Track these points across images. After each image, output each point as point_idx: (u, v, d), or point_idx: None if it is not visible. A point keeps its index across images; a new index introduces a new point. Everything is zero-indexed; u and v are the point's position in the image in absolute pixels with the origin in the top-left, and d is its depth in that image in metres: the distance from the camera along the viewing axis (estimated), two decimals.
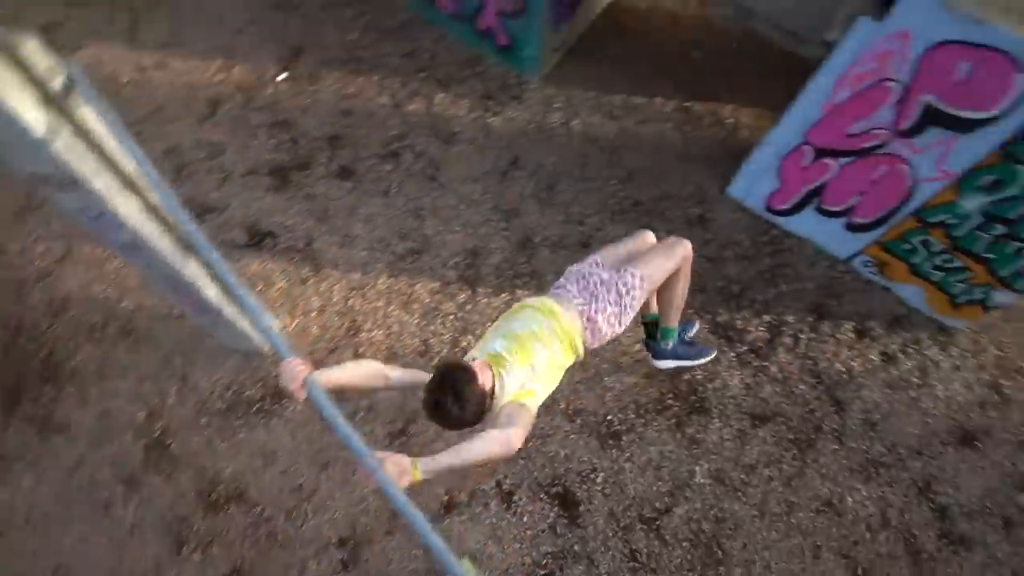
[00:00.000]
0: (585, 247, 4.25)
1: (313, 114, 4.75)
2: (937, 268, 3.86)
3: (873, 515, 3.60)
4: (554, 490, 3.55)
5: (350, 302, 4.05)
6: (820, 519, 3.57)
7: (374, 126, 4.70)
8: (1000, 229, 3.42)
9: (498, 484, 3.55)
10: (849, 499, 3.64)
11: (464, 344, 3.92)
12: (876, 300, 4.19)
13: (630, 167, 4.58)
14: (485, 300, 4.07)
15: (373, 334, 3.96)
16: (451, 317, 4.01)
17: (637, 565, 3.40)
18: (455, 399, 1.90)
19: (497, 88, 4.88)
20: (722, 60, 5.10)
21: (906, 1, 2.83)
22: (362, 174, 4.51)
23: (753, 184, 4.21)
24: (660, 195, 4.48)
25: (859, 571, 3.45)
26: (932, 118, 3.17)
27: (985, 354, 4.07)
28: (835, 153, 3.65)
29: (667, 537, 3.46)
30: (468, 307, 4.05)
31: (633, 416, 3.76)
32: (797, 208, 4.12)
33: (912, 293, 4.10)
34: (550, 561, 3.40)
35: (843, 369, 3.97)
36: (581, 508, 3.52)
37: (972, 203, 3.41)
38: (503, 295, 4.10)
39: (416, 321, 4.01)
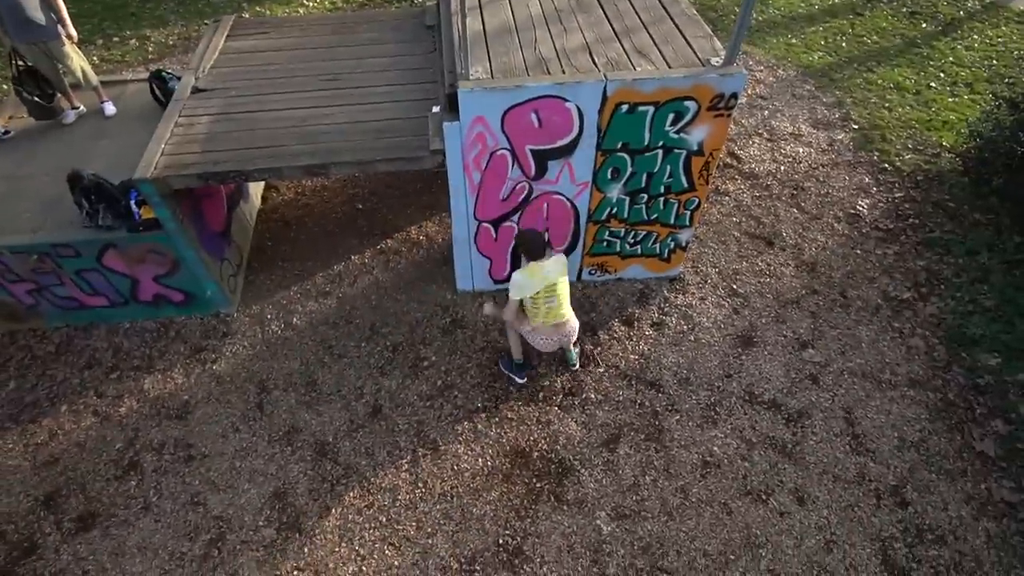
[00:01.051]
0: (377, 413, 4.29)
1: (6, 492, 4.03)
2: (633, 244, 4.82)
3: (738, 446, 4.13)
4: None
5: None
6: (710, 481, 3.97)
7: (92, 454, 4.18)
8: (644, 196, 4.46)
9: None
10: (715, 448, 4.13)
11: None
12: (619, 292, 5.02)
13: (369, 323, 4.85)
14: (318, 530, 3.77)
15: None
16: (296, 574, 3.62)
17: None
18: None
19: (202, 337, 4.80)
20: (383, 200, 5.84)
21: (462, 99, 3.70)
22: (106, 509, 3.92)
23: (471, 273, 4.82)
24: (410, 328, 4.80)
25: (761, 496, 3.89)
26: (542, 157, 4.09)
27: (692, 277, 5.14)
28: (505, 216, 4.42)
29: None
30: (306, 550, 3.70)
31: (517, 522, 3.77)
32: (514, 267, 4.79)
33: (634, 270, 5.02)
34: None
35: (633, 356, 4.60)
36: None
37: (614, 191, 4.40)
38: (333, 511, 3.85)
39: None
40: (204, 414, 4.36)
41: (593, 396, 4.37)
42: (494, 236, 4.54)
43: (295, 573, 3.63)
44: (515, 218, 4.45)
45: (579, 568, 3.59)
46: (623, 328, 4.79)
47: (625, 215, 4.58)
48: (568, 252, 4.79)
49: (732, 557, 3.64)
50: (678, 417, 4.28)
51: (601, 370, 4.52)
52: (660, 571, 3.58)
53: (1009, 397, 4.35)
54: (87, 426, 4.33)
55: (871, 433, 4.21)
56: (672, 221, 4.67)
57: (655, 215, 4.60)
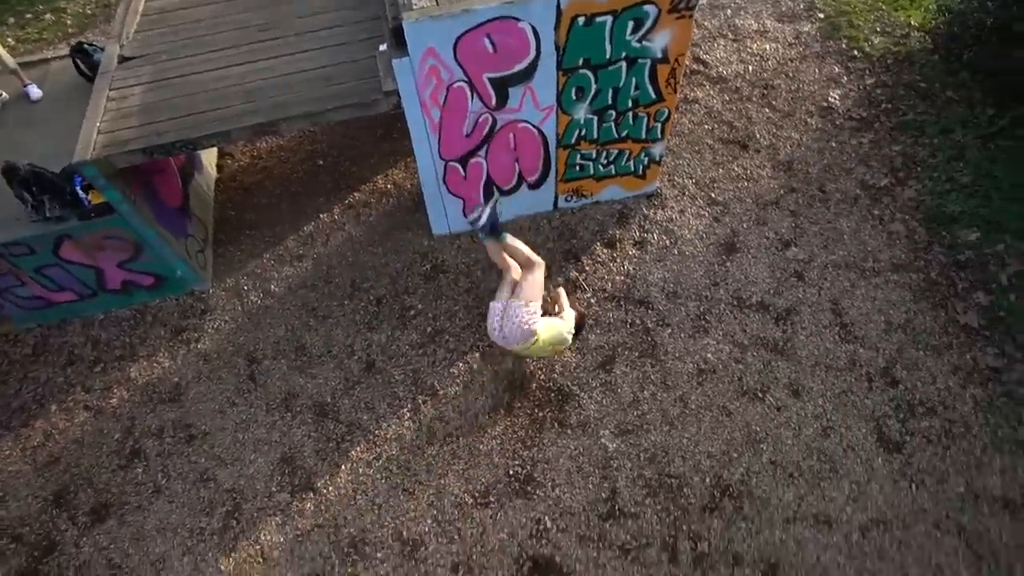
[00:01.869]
0: (371, 367, 4.34)
1: (13, 496, 4.06)
2: (607, 164, 4.77)
3: (730, 350, 4.26)
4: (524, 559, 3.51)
5: None
6: (707, 387, 4.11)
7: (92, 448, 4.21)
8: (612, 113, 4.37)
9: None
10: (709, 355, 4.25)
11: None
12: (597, 215, 5.01)
13: (348, 280, 4.82)
14: (331, 487, 3.89)
15: None
16: (317, 533, 3.74)
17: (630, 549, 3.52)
18: None
19: (181, 318, 4.75)
20: (343, 153, 5.68)
21: (408, 31, 3.53)
22: (117, 498, 3.99)
23: (445, 215, 4.76)
24: (391, 280, 4.78)
25: (758, 394, 4.05)
26: (501, 85, 3.96)
27: (669, 191, 5.13)
28: (472, 152, 4.32)
29: (633, 511, 3.66)
30: (323, 507, 3.82)
31: (524, 451, 3.91)
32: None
33: (610, 191, 4.99)
34: None
35: (619, 277, 4.65)
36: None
37: (580, 112, 4.30)
38: (343, 467, 3.95)
39: (291, 569, 3.64)
40: (197, 393, 4.38)
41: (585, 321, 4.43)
42: (463, 174, 4.47)
43: (316, 530, 3.76)
44: (482, 153, 4.36)
45: (590, 486, 3.75)
46: (606, 251, 4.81)
47: (595, 135, 4.50)
48: (541, 182, 4.74)
49: (735, 455, 3.82)
50: (670, 331, 4.38)
51: (589, 295, 4.57)
52: (667, 477, 3.75)
53: (989, 268, 4.48)
54: (81, 422, 4.34)
55: (858, 321, 4.34)
56: (643, 136, 4.60)
57: (625, 131, 4.53)
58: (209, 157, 5.62)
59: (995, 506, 3.58)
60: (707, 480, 3.74)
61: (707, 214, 4.99)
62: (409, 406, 4.17)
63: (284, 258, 5.01)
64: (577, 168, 4.71)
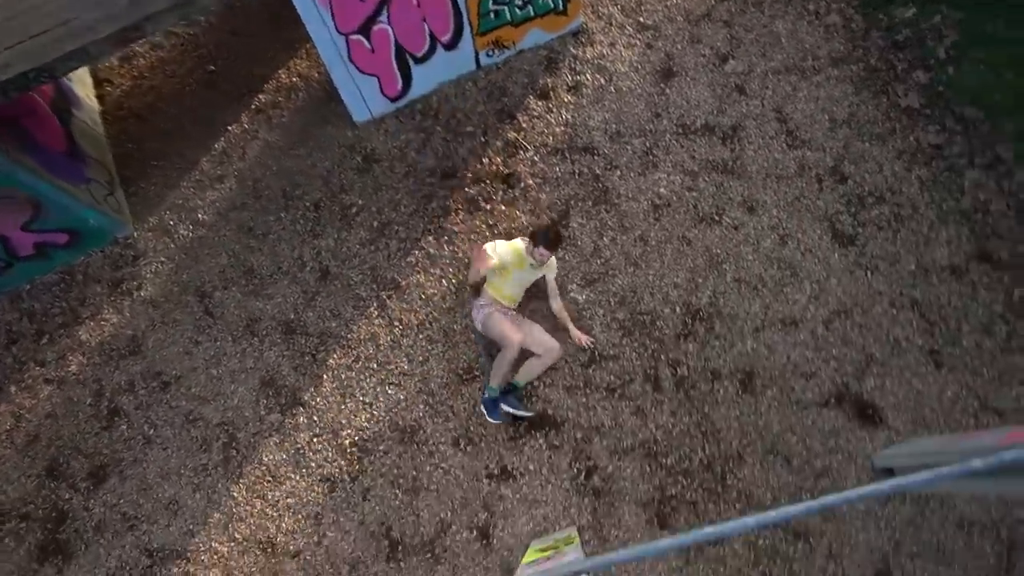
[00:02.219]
0: (327, 275, 4.21)
1: (5, 480, 4.02)
2: (523, 5, 4.35)
3: (682, 180, 4.20)
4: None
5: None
6: (664, 221, 4.10)
7: (68, 418, 4.11)
8: None
9: None
10: (662, 190, 4.20)
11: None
12: (524, 66, 4.67)
13: (279, 191, 4.52)
14: (318, 398, 3.93)
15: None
16: (317, 442, 3.83)
17: (615, 388, 3.71)
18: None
19: (114, 270, 4.46)
20: (235, 52, 5.07)
21: None
22: (110, 458, 3.98)
23: (363, 98, 4.37)
24: (323, 180, 4.50)
25: (714, 218, 4.07)
26: None
27: (595, 24, 4.77)
28: (372, 19, 3.87)
29: (612, 352, 3.80)
30: (316, 418, 3.88)
31: None
32: (406, 77, 4.37)
33: (533, 36, 4.61)
34: None
35: (559, 129, 4.44)
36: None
37: None
38: (325, 377, 3.97)
39: (303, 478, 3.77)
40: (157, 340, 4.23)
41: (531, 182, 4.29)
42: (369, 47, 4.03)
43: (315, 440, 3.85)
44: (384, 18, 3.90)
45: (568, 340, 3.84)
46: (540, 103, 4.55)
47: None
48: (456, 40, 4.33)
49: (700, 280, 3.91)
50: (619, 172, 4.28)
51: (531, 154, 4.38)
52: (640, 315, 3.86)
53: (927, 43, 4.38)
54: (47, 396, 4.20)
55: (803, 124, 4.28)
56: None
57: None
58: (83, 88, 4.97)
59: (943, 275, 3.79)
60: (677, 309, 3.86)
61: (639, 42, 4.68)
62: (375, 304, 4.11)
63: (203, 183, 4.64)
64: (492, 16, 4.29)
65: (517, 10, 4.35)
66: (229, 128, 4.79)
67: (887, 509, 3.31)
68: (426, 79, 4.48)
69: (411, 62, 4.30)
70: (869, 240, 3.93)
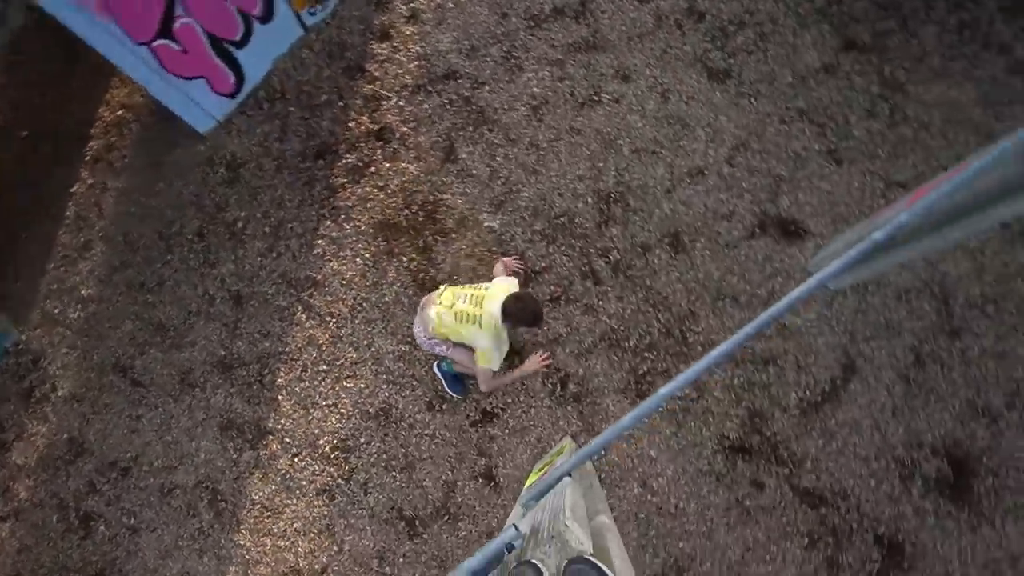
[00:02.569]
0: (240, 299, 4.01)
1: None
2: None
3: (551, 72, 4.11)
4: None
5: None
6: (547, 120, 4.03)
7: (41, 544, 3.91)
8: None
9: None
10: (535, 89, 4.11)
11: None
12: (353, 12, 4.38)
13: (155, 234, 4.23)
14: (282, 419, 3.83)
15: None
16: (300, 460, 3.77)
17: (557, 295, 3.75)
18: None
19: (18, 380, 4.15)
20: (40, 105, 4.56)
21: None
22: (102, 562, 3.83)
23: (198, 105, 4.03)
24: (195, 204, 4.22)
25: (593, 99, 4.01)
26: None
27: None
28: (168, 18, 3.50)
29: (543, 264, 3.80)
30: (287, 439, 3.80)
31: (426, 277, 3.88)
32: (234, 67, 4.04)
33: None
34: None
35: (412, 65, 4.23)
36: None
37: None
38: (280, 397, 3.86)
39: (301, 499, 3.73)
40: (97, 432, 4.01)
41: (405, 128, 4.12)
42: (179, 48, 3.68)
43: (296, 461, 3.78)
44: (181, 11, 3.54)
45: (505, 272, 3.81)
46: (384, 46, 4.30)
47: None
48: (270, 10, 3.99)
49: (600, 164, 3.90)
50: (488, 87, 4.14)
51: (394, 100, 4.18)
52: (556, 219, 3.85)
53: None
54: (9, 532, 4.00)
55: None
56: None
57: None
58: None
59: (819, 76, 3.88)
60: (589, 200, 3.86)
61: None
62: (300, 308, 3.96)
63: (70, 257, 4.28)
64: None
65: None
66: (72, 190, 4.38)
67: (833, 308, 3.52)
68: (257, 62, 4.15)
69: (232, 49, 3.96)
70: (743, 68, 3.96)
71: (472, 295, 3.06)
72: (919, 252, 2.60)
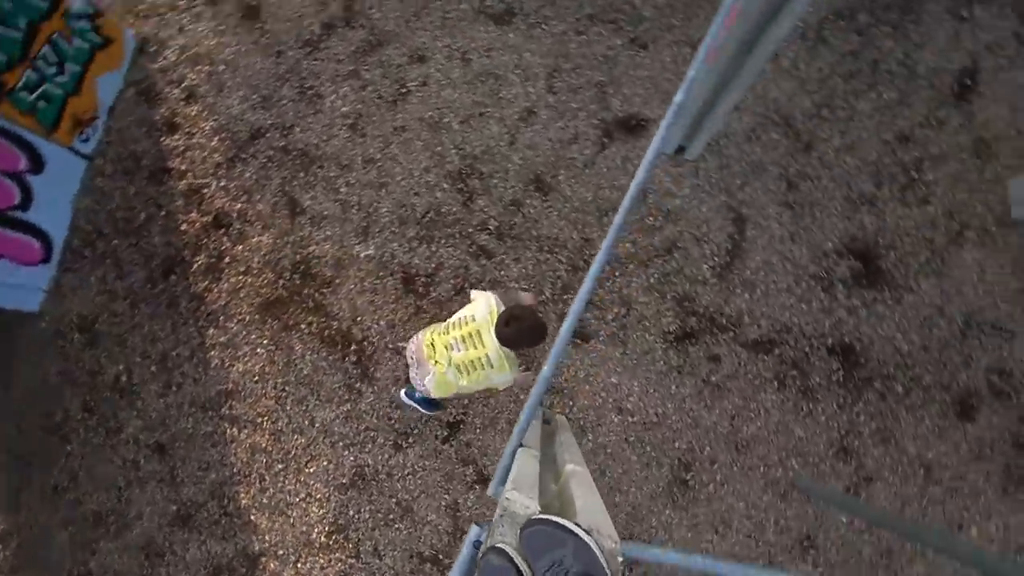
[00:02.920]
0: (162, 450, 3.77)
1: None
2: (60, 70, 3.74)
3: (350, 86, 4.03)
4: None
5: None
6: (368, 132, 3.97)
7: None
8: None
9: None
10: (343, 108, 4.02)
11: None
12: (125, 118, 4.10)
13: (51, 486, 3.85)
14: (267, 536, 3.66)
15: None
16: (305, 562, 3.62)
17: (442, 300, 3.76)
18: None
19: None
20: None
21: None
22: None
23: (14, 286, 3.69)
24: (66, 383, 3.89)
25: (402, 91, 3.97)
26: None
27: (146, 27, 4.22)
28: None
29: (429, 270, 3.78)
30: (280, 542, 3.64)
31: (331, 338, 3.77)
32: (30, 231, 3.72)
33: (105, 87, 4.02)
34: None
35: (215, 139, 4.04)
36: None
37: None
38: (265, 496, 3.67)
39: None
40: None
41: (239, 205, 3.94)
42: None
43: (298, 566, 3.63)
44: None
45: (388, 287, 3.75)
46: (176, 136, 4.09)
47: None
48: (39, 160, 3.68)
49: (438, 148, 3.88)
50: (298, 128, 4.03)
51: (215, 184, 3.98)
52: (422, 219, 3.81)
53: None
54: None
55: None
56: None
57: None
58: None
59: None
60: (445, 185, 3.84)
61: (198, 3, 4.22)
62: (227, 425, 3.77)
63: None
64: (42, 104, 3.66)
65: (60, 78, 3.72)
66: None
67: (701, 176, 3.70)
68: (54, 214, 3.84)
69: (20, 215, 3.64)
70: (522, 1, 4.03)
71: (462, 336, 2.66)
72: (733, 91, 2.72)
